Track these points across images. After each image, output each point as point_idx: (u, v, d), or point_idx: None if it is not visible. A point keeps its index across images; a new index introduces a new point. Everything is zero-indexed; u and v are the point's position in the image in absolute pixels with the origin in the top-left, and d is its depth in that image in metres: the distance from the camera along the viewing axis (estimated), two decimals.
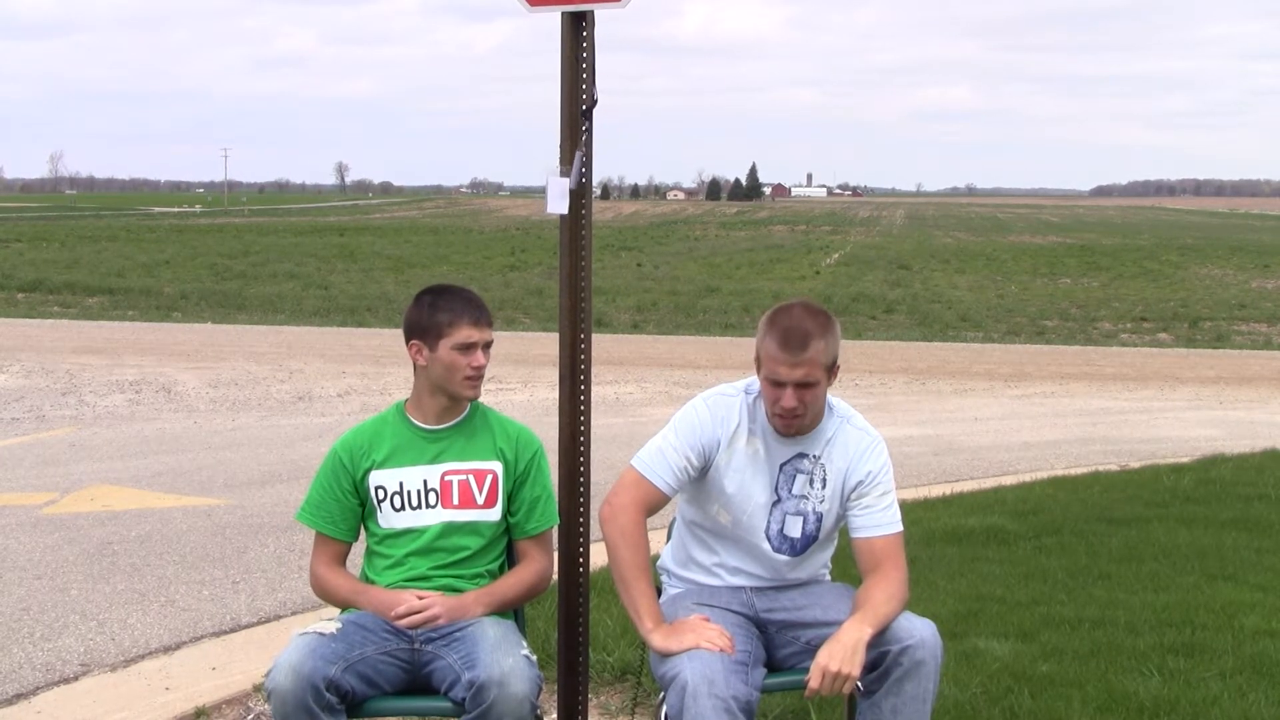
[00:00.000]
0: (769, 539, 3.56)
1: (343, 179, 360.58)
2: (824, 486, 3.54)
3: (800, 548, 3.58)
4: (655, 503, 3.52)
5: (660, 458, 3.51)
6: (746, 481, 3.54)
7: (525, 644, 3.48)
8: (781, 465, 3.54)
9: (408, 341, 3.63)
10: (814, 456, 3.54)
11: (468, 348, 3.55)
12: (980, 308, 28.28)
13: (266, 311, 25.25)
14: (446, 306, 3.58)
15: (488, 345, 3.61)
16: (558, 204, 3.68)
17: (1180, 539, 7.13)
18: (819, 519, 3.57)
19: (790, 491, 3.54)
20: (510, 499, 3.67)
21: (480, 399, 3.76)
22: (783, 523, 3.56)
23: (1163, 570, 6.46)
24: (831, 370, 3.44)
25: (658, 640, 3.33)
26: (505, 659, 3.27)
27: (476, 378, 3.58)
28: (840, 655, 3.19)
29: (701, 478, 3.56)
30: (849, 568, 3.66)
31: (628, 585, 3.43)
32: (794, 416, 3.41)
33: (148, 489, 8.85)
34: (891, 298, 29.83)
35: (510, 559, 3.75)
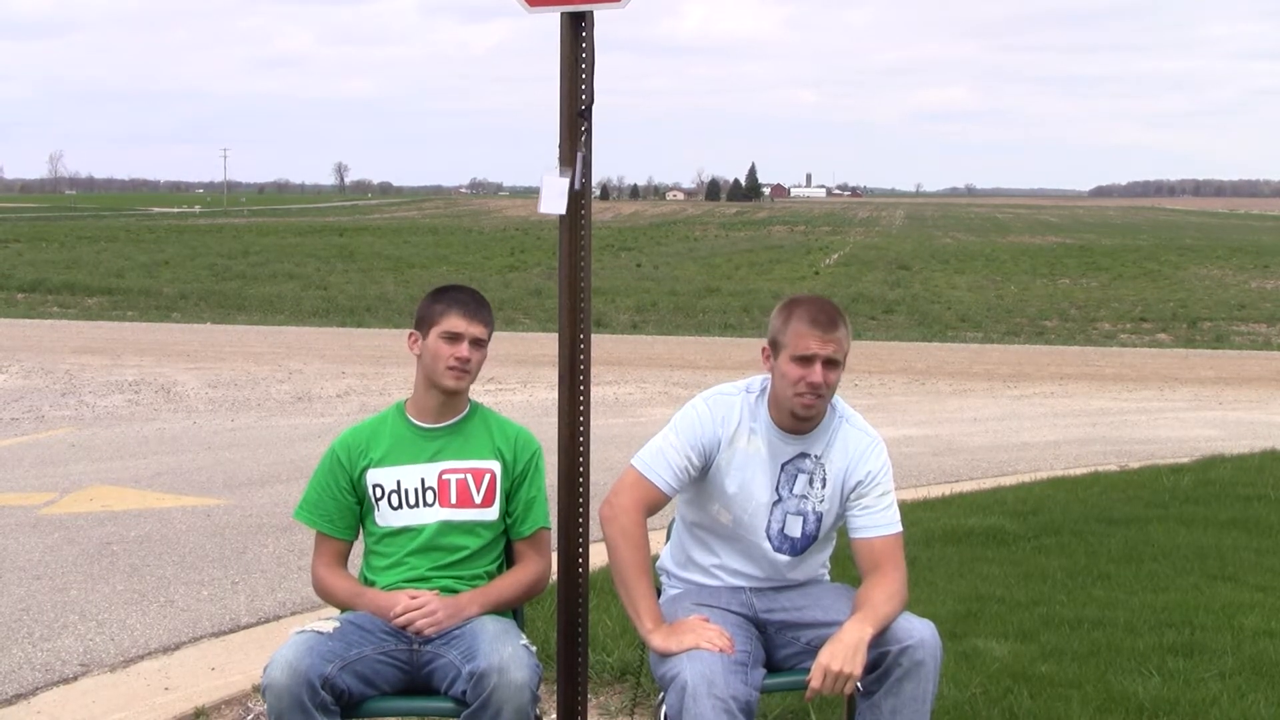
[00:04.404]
0: (769, 538, 3.57)
1: (342, 179, 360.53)
2: (824, 486, 3.54)
3: (800, 547, 3.58)
4: (656, 503, 3.52)
5: (661, 458, 3.52)
6: (748, 481, 3.54)
7: (524, 636, 3.48)
8: (783, 465, 3.54)
9: (410, 334, 3.65)
10: (815, 456, 3.54)
11: (454, 337, 3.56)
12: (980, 308, 28.30)
13: (266, 312, 25.26)
14: (444, 299, 3.63)
15: (477, 341, 3.60)
16: (551, 203, 3.67)
17: (1180, 539, 7.13)
18: (819, 519, 3.57)
19: (791, 491, 3.55)
20: (508, 499, 3.67)
21: (477, 399, 3.77)
22: (783, 522, 3.56)
23: (1162, 570, 6.46)
24: (845, 361, 3.48)
25: (657, 640, 3.33)
26: (504, 648, 3.28)
27: (459, 368, 3.57)
28: (842, 655, 3.19)
29: (702, 478, 3.56)
30: (848, 568, 3.67)
31: (628, 585, 3.43)
32: (818, 395, 3.41)
33: (147, 489, 8.85)
34: (891, 298, 29.85)
35: (509, 562, 3.75)
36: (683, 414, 3.58)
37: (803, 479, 3.54)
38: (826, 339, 3.39)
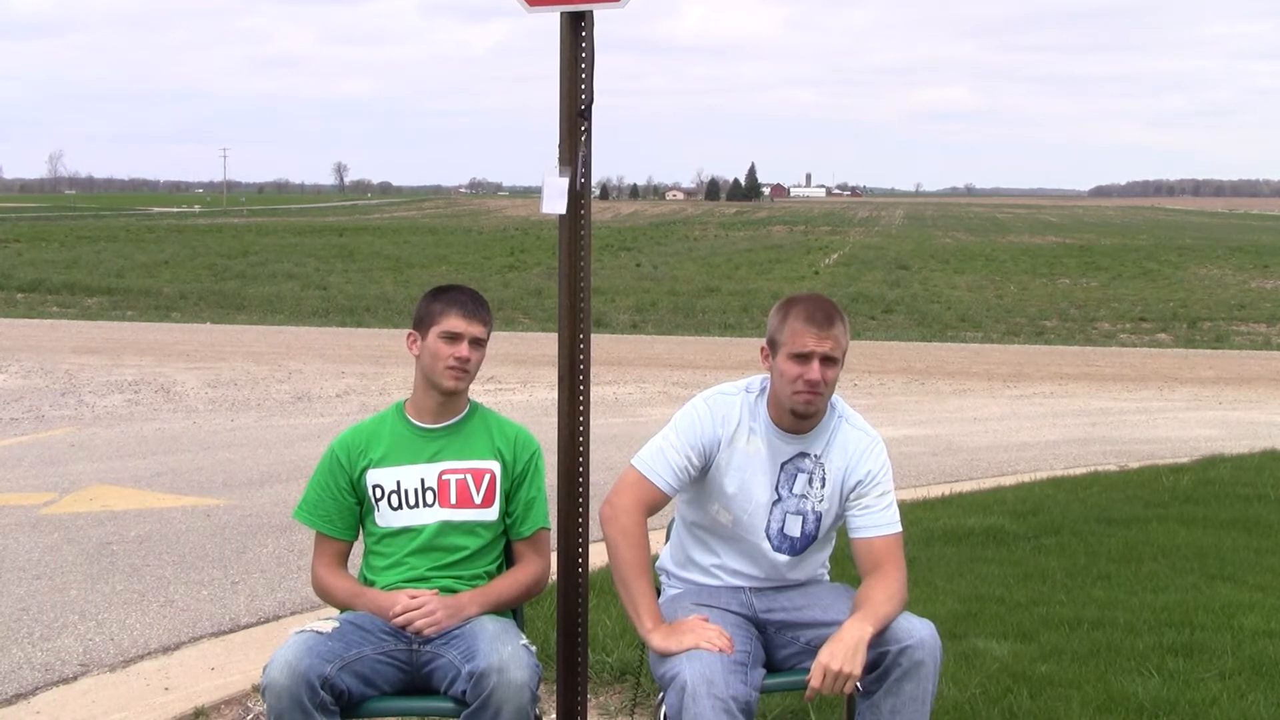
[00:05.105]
0: (769, 538, 3.57)
1: (341, 179, 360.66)
2: (824, 486, 3.55)
3: (800, 547, 3.58)
4: (656, 503, 3.53)
5: (661, 457, 3.52)
6: (747, 481, 3.54)
7: (524, 636, 3.48)
8: (783, 464, 3.54)
9: (409, 334, 3.65)
10: (815, 456, 3.54)
11: (453, 337, 3.56)
12: (979, 308, 28.29)
13: (265, 312, 25.25)
14: (443, 299, 3.62)
15: (477, 341, 3.60)
16: (554, 203, 3.68)
17: (1179, 539, 7.13)
18: (818, 518, 3.57)
19: (791, 490, 3.55)
20: (508, 499, 3.67)
21: (477, 398, 3.76)
22: (783, 522, 3.56)
23: (1162, 571, 6.46)
24: (844, 358, 3.48)
25: (657, 640, 3.33)
26: (504, 648, 3.28)
27: (458, 369, 3.57)
28: (842, 654, 3.19)
29: (702, 477, 3.56)
30: (848, 568, 3.67)
31: (628, 585, 3.43)
32: (816, 393, 3.41)
33: (147, 489, 8.85)
34: (890, 298, 29.83)
35: (509, 562, 3.75)
36: (683, 414, 3.58)
37: (802, 478, 3.55)
38: (823, 336, 3.40)
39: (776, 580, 3.63)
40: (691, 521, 3.70)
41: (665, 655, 3.29)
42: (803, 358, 3.40)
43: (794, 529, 3.57)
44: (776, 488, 3.55)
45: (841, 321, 3.46)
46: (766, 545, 3.57)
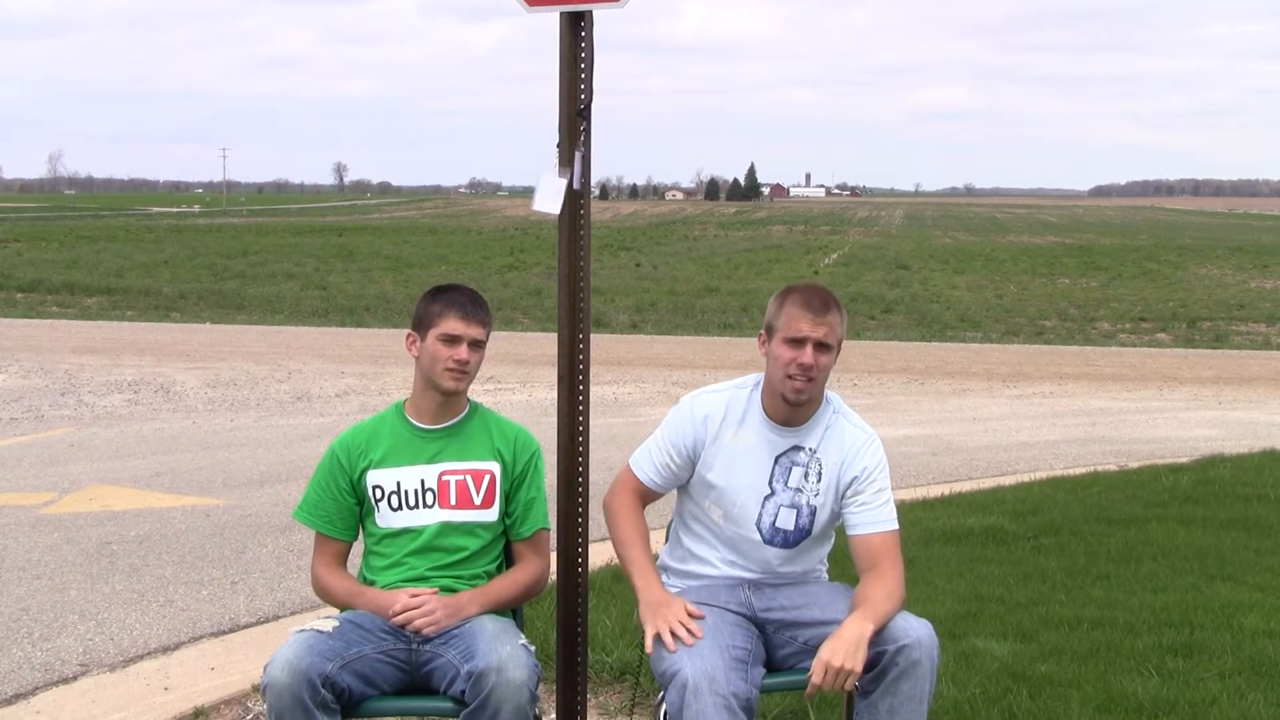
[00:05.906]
0: (760, 531, 3.58)
1: (341, 179, 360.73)
2: (819, 480, 3.56)
3: (793, 540, 3.59)
4: (647, 498, 3.68)
5: (647, 456, 3.65)
6: (735, 475, 3.57)
7: (523, 635, 3.49)
8: (777, 458, 3.56)
9: (408, 335, 3.65)
10: (810, 449, 3.56)
11: (452, 339, 3.56)
12: (979, 308, 28.30)
13: (265, 311, 25.25)
14: (442, 300, 3.62)
15: (476, 343, 3.59)
16: (545, 202, 3.66)
17: (1179, 539, 7.13)
18: (813, 512, 3.58)
19: (785, 484, 3.56)
20: (507, 500, 3.67)
21: (476, 399, 3.77)
22: (776, 514, 3.58)
23: (1161, 570, 6.47)
24: (839, 348, 3.50)
25: (641, 609, 3.43)
26: (503, 647, 3.29)
27: (457, 370, 3.57)
28: (843, 651, 3.20)
29: (691, 474, 3.63)
30: (847, 567, 3.67)
31: (626, 549, 3.58)
32: (808, 378, 3.43)
33: (146, 489, 8.85)
34: (890, 298, 29.83)
35: (509, 562, 3.75)
36: (670, 414, 3.67)
37: (797, 471, 3.56)
38: (818, 322, 3.43)
39: (770, 575, 3.64)
40: (687, 516, 3.74)
41: (641, 626, 3.37)
42: (797, 342, 3.43)
43: (787, 522, 3.58)
44: (771, 481, 3.57)
45: (837, 310, 3.49)
46: (758, 538, 3.59)
